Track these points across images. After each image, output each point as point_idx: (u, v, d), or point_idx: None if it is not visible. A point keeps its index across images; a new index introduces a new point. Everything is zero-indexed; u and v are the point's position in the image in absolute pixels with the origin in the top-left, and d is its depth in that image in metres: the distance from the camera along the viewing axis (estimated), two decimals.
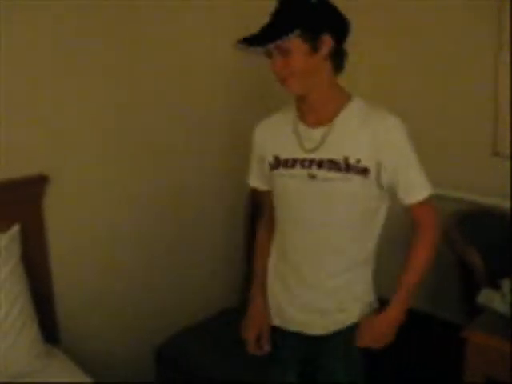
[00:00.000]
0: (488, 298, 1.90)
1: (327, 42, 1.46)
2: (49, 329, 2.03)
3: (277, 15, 1.46)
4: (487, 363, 1.76)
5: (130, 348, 2.42)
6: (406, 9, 3.02)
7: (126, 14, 2.15)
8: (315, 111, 1.55)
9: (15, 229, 1.92)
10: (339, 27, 1.51)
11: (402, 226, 3.36)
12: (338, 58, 1.52)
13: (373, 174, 1.51)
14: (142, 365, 2.43)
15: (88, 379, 1.82)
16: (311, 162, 1.54)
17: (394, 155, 1.51)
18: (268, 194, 1.72)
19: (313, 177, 1.54)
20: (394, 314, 1.65)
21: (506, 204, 2.63)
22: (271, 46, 1.42)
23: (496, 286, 1.94)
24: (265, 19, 1.47)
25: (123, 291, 2.36)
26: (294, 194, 1.59)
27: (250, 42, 1.44)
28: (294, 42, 1.42)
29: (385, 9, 3.09)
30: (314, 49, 1.45)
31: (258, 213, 1.87)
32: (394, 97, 3.22)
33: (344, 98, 1.56)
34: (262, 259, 1.77)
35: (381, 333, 1.66)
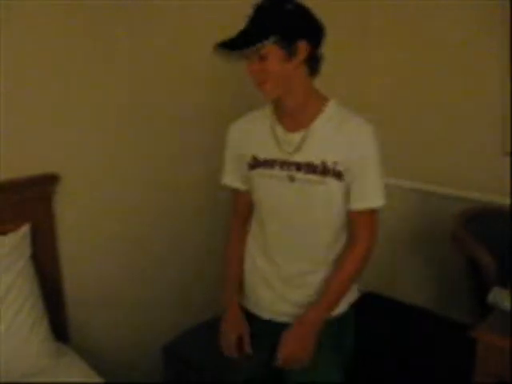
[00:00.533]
0: (498, 297, 1.89)
1: (303, 48, 1.48)
2: (58, 327, 2.04)
3: (253, 21, 1.48)
4: (498, 363, 1.75)
5: (138, 346, 2.43)
6: (415, 8, 3.02)
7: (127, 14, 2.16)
8: (292, 115, 1.58)
9: (25, 228, 1.93)
10: (315, 33, 1.52)
11: (403, 227, 3.38)
12: (314, 63, 1.54)
13: (345, 177, 1.56)
14: (150, 363, 2.44)
15: (98, 377, 1.82)
16: (290, 164, 1.58)
17: (361, 162, 1.55)
18: (244, 194, 1.76)
19: (292, 179, 1.59)
20: (313, 316, 1.65)
21: None
22: (247, 51, 1.44)
23: (506, 285, 1.93)
24: None
25: (132, 290, 2.37)
26: (274, 195, 1.64)
27: (227, 46, 1.46)
28: (270, 48, 1.44)
29: (394, 10, 3.10)
30: (290, 54, 1.47)
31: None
32: (401, 96, 3.24)
33: (320, 102, 1.59)
34: (236, 263, 1.80)
35: (300, 334, 1.64)
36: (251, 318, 1.79)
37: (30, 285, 1.88)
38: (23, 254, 1.89)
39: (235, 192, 1.79)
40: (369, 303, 3.54)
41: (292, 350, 1.64)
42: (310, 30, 1.50)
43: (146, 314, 2.42)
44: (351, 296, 1.77)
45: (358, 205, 1.60)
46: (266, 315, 1.76)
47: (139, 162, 2.29)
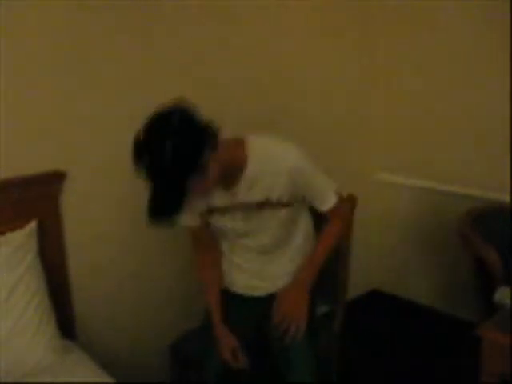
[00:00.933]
0: (504, 295, 1.88)
1: (213, 159, 1.56)
2: (65, 324, 2.05)
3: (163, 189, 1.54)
4: (503, 361, 1.74)
5: (145, 345, 2.43)
6: (424, 11, 3.03)
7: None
8: (226, 179, 1.72)
9: (32, 225, 1.94)
10: (209, 140, 1.56)
11: (410, 226, 3.37)
12: (215, 146, 1.58)
13: (294, 199, 1.82)
14: (157, 361, 2.44)
15: (105, 375, 1.83)
16: (240, 206, 1.78)
17: (300, 181, 1.78)
18: (203, 229, 1.93)
19: (246, 217, 1.81)
20: (304, 277, 1.92)
21: None
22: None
23: None
24: None
25: (139, 287, 2.38)
26: (232, 231, 1.88)
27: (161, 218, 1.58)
28: (195, 180, 1.53)
29: (402, 13, 3.11)
30: (205, 167, 1.54)
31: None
32: (409, 97, 3.23)
33: (242, 153, 1.72)
34: (213, 288, 2.01)
35: (294, 295, 1.89)
36: (229, 294, 2.02)
37: (37, 281, 1.89)
38: (30, 251, 1.90)
39: (196, 230, 1.95)
40: (374, 301, 3.54)
41: (288, 309, 1.86)
42: (203, 145, 1.54)
43: (152, 311, 2.43)
44: None
45: (322, 208, 1.89)
46: (241, 291, 2.01)
47: None
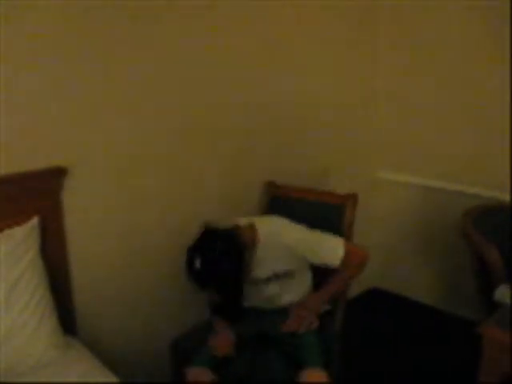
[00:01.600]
0: (505, 294, 1.89)
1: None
2: (67, 320, 2.06)
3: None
4: (503, 359, 1.75)
5: (146, 340, 2.44)
6: (423, 15, 3.04)
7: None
8: None
9: (34, 221, 1.94)
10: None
11: (411, 224, 3.38)
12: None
13: (302, 265, 2.17)
14: (158, 357, 2.45)
15: (106, 370, 1.83)
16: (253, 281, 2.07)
17: (301, 248, 2.04)
18: None
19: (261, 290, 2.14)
20: (312, 303, 2.13)
21: None
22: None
23: None
24: None
25: (141, 284, 2.38)
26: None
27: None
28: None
29: (404, 22, 3.13)
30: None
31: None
32: (411, 97, 3.24)
33: (255, 238, 2.02)
34: None
35: (302, 313, 2.12)
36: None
37: (38, 277, 1.90)
38: (32, 247, 1.90)
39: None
40: (375, 299, 3.55)
41: (294, 327, 2.09)
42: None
43: (153, 308, 2.43)
44: None
45: (336, 262, 2.04)
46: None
47: (147, 156, 2.31)
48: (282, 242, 2.02)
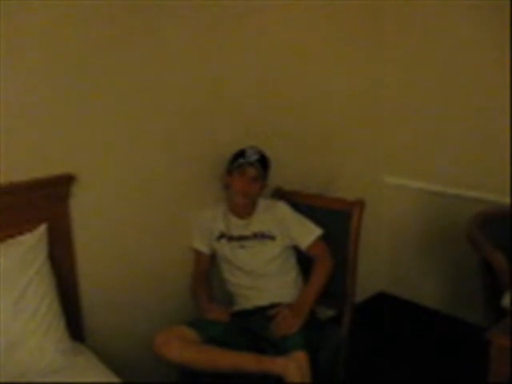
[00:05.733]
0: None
1: (266, 182, 2.42)
2: (74, 327, 2.07)
3: (261, 163, 2.34)
4: (511, 366, 1.74)
5: (152, 349, 2.43)
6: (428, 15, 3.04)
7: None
8: (244, 209, 2.40)
9: (42, 228, 1.96)
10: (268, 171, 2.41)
11: (418, 229, 3.37)
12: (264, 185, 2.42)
13: (278, 237, 2.38)
14: (165, 364, 2.45)
15: (114, 376, 1.84)
16: (240, 237, 2.39)
17: (286, 222, 2.38)
18: (206, 255, 2.47)
19: (242, 246, 2.38)
20: (292, 313, 2.17)
21: None
22: (254, 171, 2.31)
23: None
24: None
25: (148, 290, 2.39)
26: (231, 255, 2.39)
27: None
28: (260, 179, 2.35)
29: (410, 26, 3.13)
30: (263, 182, 2.39)
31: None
32: (415, 102, 3.23)
33: (257, 200, 2.42)
34: (204, 290, 2.40)
35: (290, 319, 2.17)
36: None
37: (46, 284, 1.91)
38: (40, 254, 1.92)
39: (199, 253, 2.48)
40: (382, 304, 3.54)
41: (283, 329, 2.13)
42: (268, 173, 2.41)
43: (161, 313, 2.43)
44: None
45: (305, 243, 2.37)
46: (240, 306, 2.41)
47: (155, 162, 2.32)
48: (275, 212, 2.40)
